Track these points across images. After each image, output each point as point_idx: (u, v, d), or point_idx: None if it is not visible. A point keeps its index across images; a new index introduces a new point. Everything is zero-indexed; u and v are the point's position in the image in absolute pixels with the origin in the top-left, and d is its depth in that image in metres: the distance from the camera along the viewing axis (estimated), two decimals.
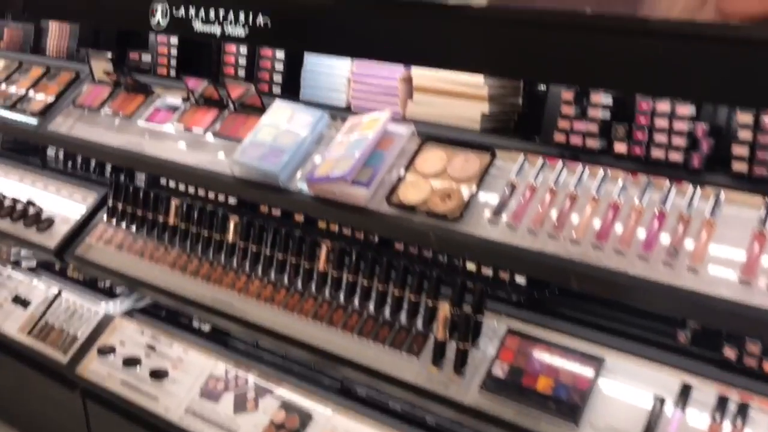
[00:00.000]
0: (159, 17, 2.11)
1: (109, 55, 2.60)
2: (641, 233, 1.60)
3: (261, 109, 2.27)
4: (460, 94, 2.08)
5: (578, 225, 1.65)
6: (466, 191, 1.81)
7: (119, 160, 2.46)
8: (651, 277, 1.52)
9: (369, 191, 1.90)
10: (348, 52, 1.93)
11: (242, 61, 2.52)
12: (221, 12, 1.98)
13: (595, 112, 1.78)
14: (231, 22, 1.97)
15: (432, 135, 1.98)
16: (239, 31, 1.96)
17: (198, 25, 2.03)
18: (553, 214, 1.69)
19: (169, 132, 2.40)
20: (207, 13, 2.01)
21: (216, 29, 2.00)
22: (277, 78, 2.45)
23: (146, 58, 2.78)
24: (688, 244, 1.55)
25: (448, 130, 2.07)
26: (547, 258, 1.63)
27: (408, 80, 2.19)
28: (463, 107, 2.08)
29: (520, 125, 2.20)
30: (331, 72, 2.32)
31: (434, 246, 1.79)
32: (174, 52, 2.67)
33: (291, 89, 2.43)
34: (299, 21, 1.87)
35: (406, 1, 1.68)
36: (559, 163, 1.77)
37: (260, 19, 1.92)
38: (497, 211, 1.75)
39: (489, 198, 1.80)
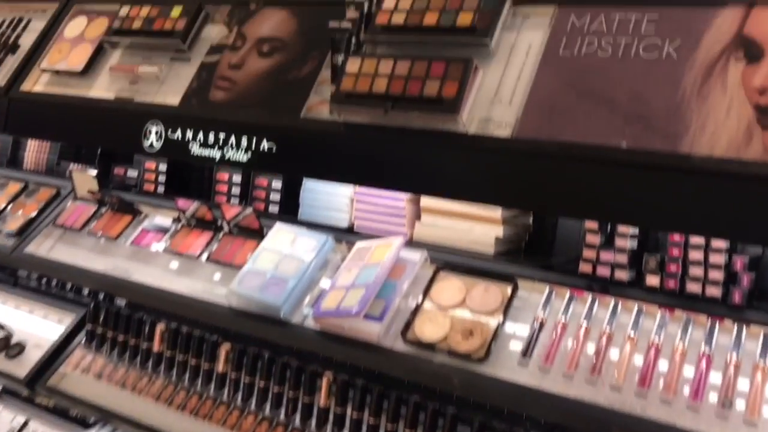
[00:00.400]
0: (153, 139, 2.00)
1: (93, 172, 2.47)
2: (687, 372, 1.48)
3: (259, 232, 2.14)
4: (472, 216, 1.99)
5: (617, 368, 1.53)
6: (489, 327, 1.68)
7: (104, 287, 2.28)
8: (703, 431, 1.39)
9: (382, 326, 1.76)
10: (359, 181, 1.83)
11: (236, 179, 2.41)
12: (221, 136, 1.88)
13: (622, 242, 1.69)
14: (232, 147, 1.86)
15: (447, 263, 1.87)
16: (241, 156, 1.85)
17: (195, 149, 1.92)
18: (588, 354, 1.57)
19: (159, 256, 2.25)
20: (206, 137, 1.90)
21: (215, 153, 1.88)
22: (275, 197, 2.34)
23: (132, 173, 2.65)
24: (741, 387, 1.43)
25: (460, 254, 1.96)
26: (585, 407, 1.49)
27: (415, 201, 2.10)
28: (475, 230, 1.98)
29: (531, 246, 2.11)
30: (332, 191, 2.22)
31: (457, 390, 1.65)
32: (162, 168, 2.55)
33: (289, 209, 2.32)
34: (306, 147, 1.77)
35: (421, 129, 1.60)
36: (589, 297, 1.66)
37: (264, 145, 1.81)
38: (526, 351, 1.61)
39: (515, 335, 1.67)
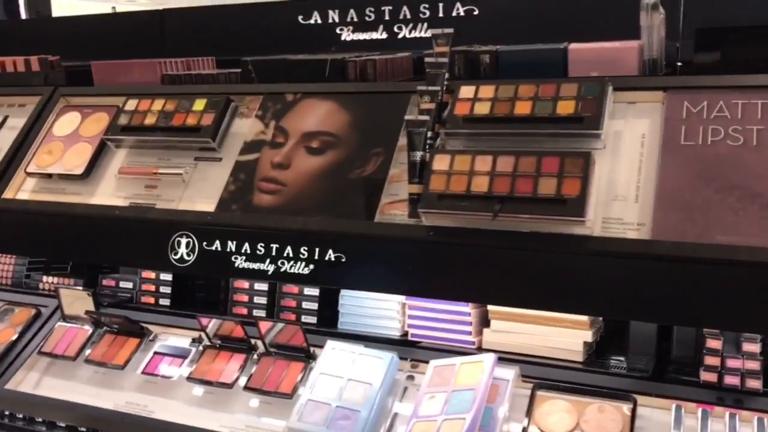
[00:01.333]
0: (183, 252, 1.70)
1: (87, 291, 2.13)
2: None
3: (305, 351, 1.85)
4: (552, 320, 1.78)
5: None
6: None
7: (118, 428, 1.91)
8: None
9: None
10: (457, 296, 1.60)
11: (260, 285, 2.13)
12: (274, 246, 1.61)
13: (751, 347, 1.52)
14: (288, 258, 1.60)
15: (545, 379, 1.64)
16: (301, 269, 1.58)
17: (241, 263, 1.64)
18: None
19: (182, 386, 1.91)
20: (254, 248, 1.63)
21: (268, 267, 1.61)
22: (308, 305, 2.06)
23: (126, 284, 2.31)
24: None
25: (542, 364, 1.75)
26: None
27: (481, 304, 1.88)
28: (557, 335, 1.78)
29: (602, 346, 1.92)
30: (378, 296, 1.97)
31: None
32: (165, 276, 2.23)
33: (326, 318, 2.05)
34: (385, 257, 1.53)
35: (535, 233, 1.39)
36: (726, 413, 1.46)
37: (330, 255, 1.56)
38: None
39: None
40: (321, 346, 1.87)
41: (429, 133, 1.55)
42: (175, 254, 1.71)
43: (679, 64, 1.81)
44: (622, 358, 1.83)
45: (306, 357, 1.84)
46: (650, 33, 1.59)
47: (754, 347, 1.52)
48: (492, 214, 1.39)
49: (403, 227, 1.52)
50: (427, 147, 1.55)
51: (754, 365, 1.52)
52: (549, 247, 1.38)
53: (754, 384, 1.52)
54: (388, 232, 1.53)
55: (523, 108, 1.51)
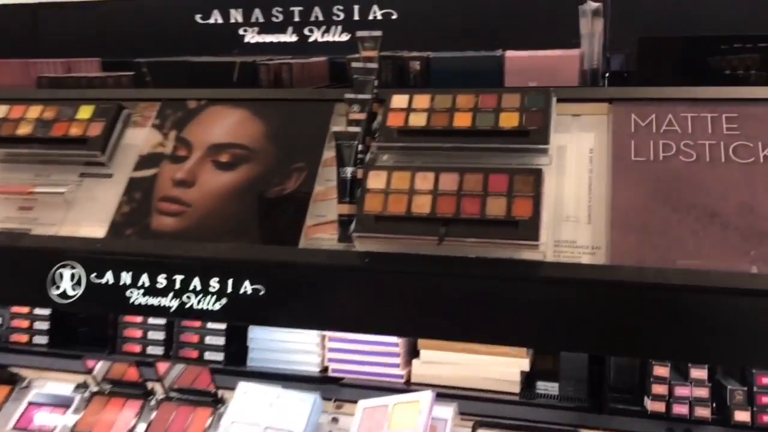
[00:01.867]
0: (66, 287, 1.43)
1: None
2: None
3: (212, 395, 1.63)
4: (487, 348, 1.66)
5: None
6: None
7: None
8: None
9: None
10: (399, 332, 1.44)
11: (154, 319, 1.87)
12: (178, 278, 1.38)
13: (699, 373, 1.45)
14: (195, 292, 1.37)
15: (485, 417, 1.51)
16: (210, 305, 1.36)
17: (138, 298, 1.39)
18: None
19: None
20: (153, 281, 1.39)
21: (171, 303, 1.38)
22: (213, 340, 1.83)
23: None
24: None
25: (477, 397, 1.62)
26: None
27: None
28: (492, 365, 1.66)
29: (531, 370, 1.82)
30: (293, 329, 1.77)
31: None
32: (41, 311, 1.93)
33: (233, 355, 1.83)
34: (312, 288, 1.34)
35: (483, 258, 1.25)
36: None
37: (246, 287, 1.35)
38: None
39: None
40: (231, 388, 1.65)
41: (360, 147, 1.39)
42: (57, 288, 1.44)
43: (607, 75, 1.74)
44: (554, 384, 1.73)
45: (214, 401, 1.62)
46: (591, 41, 1.50)
47: (702, 373, 1.45)
48: (437, 238, 1.24)
49: (332, 254, 1.34)
50: (358, 162, 1.38)
51: (703, 392, 1.45)
52: (499, 273, 1.24)
53: (703, 412, 1.45)
54: (314, 259, 1.34)
55: (462, 120, 1.37)
